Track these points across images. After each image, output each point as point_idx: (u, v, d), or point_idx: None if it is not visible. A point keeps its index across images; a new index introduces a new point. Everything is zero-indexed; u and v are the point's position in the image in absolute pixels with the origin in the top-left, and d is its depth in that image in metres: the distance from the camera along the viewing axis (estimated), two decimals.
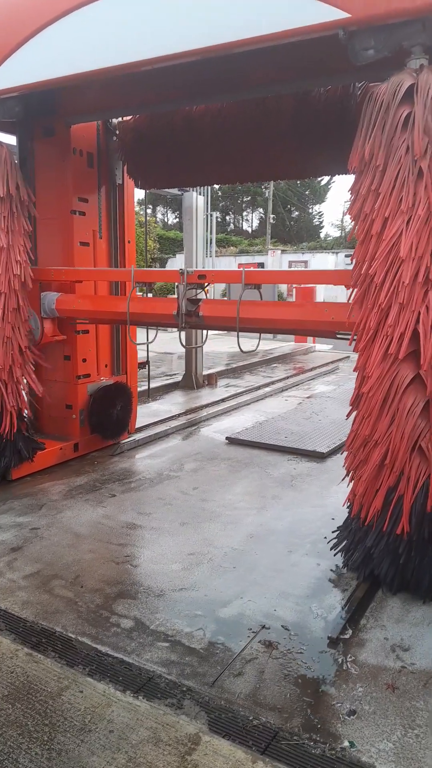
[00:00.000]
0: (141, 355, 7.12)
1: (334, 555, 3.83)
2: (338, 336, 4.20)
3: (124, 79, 4.28)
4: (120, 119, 5.94)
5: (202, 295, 4.90)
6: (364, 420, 3.49)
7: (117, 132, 6.01)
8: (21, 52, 4.35)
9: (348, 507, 3.76)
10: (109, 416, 6.12)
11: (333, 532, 3.94)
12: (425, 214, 3.15)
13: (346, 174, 3.59)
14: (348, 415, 3.71)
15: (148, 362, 7.50)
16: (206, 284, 4.81)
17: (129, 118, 5.81)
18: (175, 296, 4.85)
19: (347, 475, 3.72)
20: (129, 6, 3.87)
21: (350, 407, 3.67)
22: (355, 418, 3.61)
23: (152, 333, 6.05)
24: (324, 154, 5.11)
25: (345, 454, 3.73)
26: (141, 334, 6.97)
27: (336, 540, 3.86)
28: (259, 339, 5.40)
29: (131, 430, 6.70)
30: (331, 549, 3.84)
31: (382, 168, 3.25)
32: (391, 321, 3.26)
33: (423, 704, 2.64)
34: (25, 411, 5.37)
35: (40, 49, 4.28)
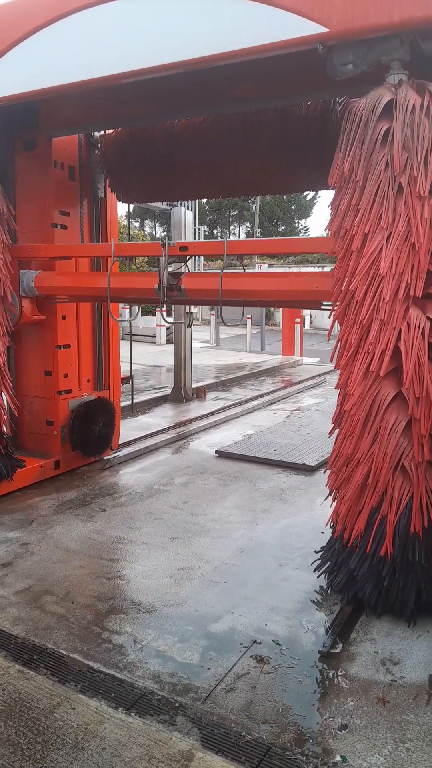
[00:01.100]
0: (125, 369, 7.07)
1: (318, 577, 3.77)
2: (323, 306, 4.11)
3: (105, 92, 4.30)
4: (102, 132, 5.95)
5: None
6: (346, 438, 3.43)
7: (99, 145, 6.01)
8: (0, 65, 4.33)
9: (331, 527, 3.71)
10: (91, 432, 6.04)
11: (316, 552, 3.90)
12: (405, 229, 3.14)
13: (328, 189, 3.64)
14: (330, 433, 3.67)
15: (131, 377, 7.44)
16: (188, 257, 4.70)
17: (111, 131, 5.82)
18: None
19: (330, 494, 3.68)
20: (109, 20, 3.90)
21: (332, 425, 3.63)
22: (337, 436, 3.56)
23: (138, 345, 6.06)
24: (305, 169, 5.15)
25: (328, 473, 3.68)
26: (123, 349, 6.94)
27: (320, 561, 3.79)
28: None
29: (114, 446, 6.62)
30: (314, 570, 3.78)
31: (362, 183, 3.25)
32: (372, 338, 3.23)
33: (413, 718, 2.67)
34: (4, 428, 5.27)
35: (20, 61, 4.28)
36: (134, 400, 9.30)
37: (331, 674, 2.98)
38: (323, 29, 3.24)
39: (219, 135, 5.18)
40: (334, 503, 3.62)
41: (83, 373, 6.19)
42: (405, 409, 3.22)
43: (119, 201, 6.40)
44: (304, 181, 5.54)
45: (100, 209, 6.28)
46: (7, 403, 5.20)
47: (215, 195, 6.41)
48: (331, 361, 3.58)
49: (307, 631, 3.34)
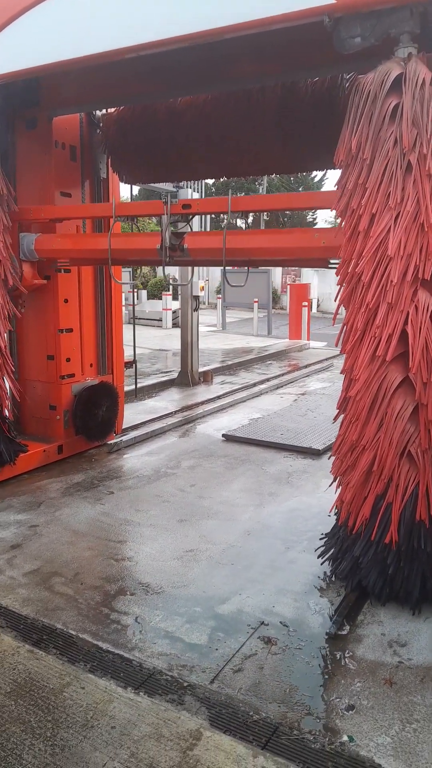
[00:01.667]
0: (129, 353, 7.02)
1: (321, 564, 3.74)
2: (330, 264, 4.00)
3: (106, 68, 4.18)
4: (104, 111, 5.82)
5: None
6: (351, 424, 3.37)
7: (100, 125, 5.88)
8: None
9: (336, 514, 3.67)
10: (94, 417, 5.99)
11: (320, 539, 3.86)
12: (414, 209, 3.03)
13: (335, 169, 3.53)
14: (335, 419, 3.62)
15: (135, 361, 7.38)
16: (191, 216, 4.54)
17: (113, 110, 5.68)
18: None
19: (334, 480, 3.63)
20: None
21: (337, 410, 3.58)
22: (342, 421, 3.50)
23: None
24: (312, 148, 4.99)
25: (333, 458, 3.64)
26: (127, 332, 6.90)
27: (323, 548, 3.75)
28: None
29: (118, 431, 6.60)
30: (318, 557, 3.74)
31: (370, 161, 3.13)
32: (378, 321, 3.15)
33: (420, 699, 2.68)
34: (6, 412, 5.22)
35: (19, 37, 4.15)
36: (141, 384, 9.32)
37: (338, 655, 2.99)
38: (330, 0, 3.08)
39: (222, 114, 5.04)
40: (338, 489, 3.58)
41: (86, 357, 6.15)
42: (412, 394, 3.16)
43: (121, 182, 6.30)
44: (310, 161, 5.41)
45: (102, 190, 6.19)
46: (9, 387, 5.17)
47: (219, 175, 6.26)
48: (337, 345, 3.51)
49: (315, 612, 3.36)
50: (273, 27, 3.36)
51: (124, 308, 21.84)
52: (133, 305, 7.46)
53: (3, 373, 5.08)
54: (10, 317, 5.22)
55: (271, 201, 4.28)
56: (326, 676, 2.85)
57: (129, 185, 6.82)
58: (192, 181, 9.93)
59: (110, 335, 6.38)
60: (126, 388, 7.12)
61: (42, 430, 5.96)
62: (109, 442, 6.36)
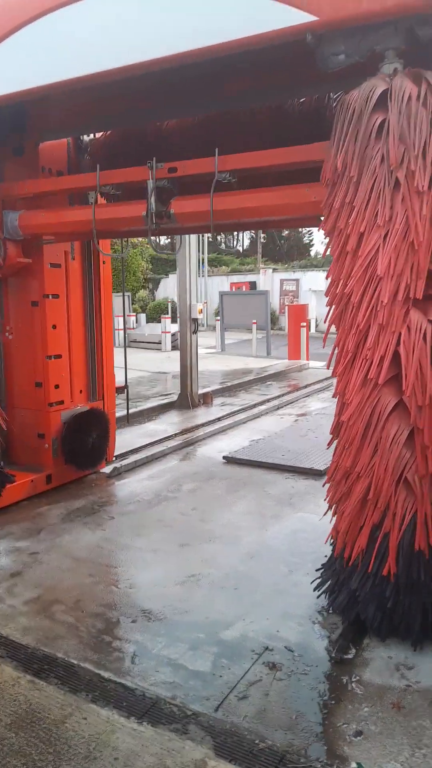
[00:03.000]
0: (119, 379, 6.88)
1: (317, 597, 3.59)
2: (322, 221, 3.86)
3: (93, 91, 4.14)
4: (91, 137, 5.79)
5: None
6: (344, 450, 3.24)
7: (88, 149, 5.83)
8: None
9: (331, 544, 3.50)
10: (85, 445, 5.84)
11: (317, 570, 3.71)
12: (403, 227, 2.96)
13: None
14: (329, 444, 3.50)
15: (126, 386, 7.16)
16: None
17: (100, 135, 5.65)
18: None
19: (329, 509, 3.50)
20: (88, 16, 3.76)
21: (330, 435, 3.46)
22: (335, 447, 3.37)
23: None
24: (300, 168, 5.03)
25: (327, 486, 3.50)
26: (119, 355, 6.82)
27: (320, 579, 3.60)
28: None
29: (110, 458, 6.46)
30: (314, 590, 3.59)
31: (356, 179, 3.06)
32: (370, 343, 3.05)
33: (429, 723, 2.63)
34: None
35: (4, 60, 4.08)
36: (141, 407, 9.31)
37: (344, 680, 2.94)
38: (312, 17, 3.00)
39: (211, 135, 4.95)
40: (333, 519, 3.43)
41: (75, 383, 6.00)
42: (407, 418, 3.03)
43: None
44: (299, 181, 5.43)
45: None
46: None
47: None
48: (328, 367, 3.41)
49: (320, 636, 3.31)
50: (254, 47, 3.28)
51: (125, 331, 21.91)
52: (124, 330, 7.37)
53: None
54: None
55: (262, 157, 4.08)
56: (333, 702, 2.79)
57: None
58: None
59: (101, 360, 6.28)
60: (117, 414, 6.97)
61: (30, 459, 5.80)
62: (104, 469, 6.25)
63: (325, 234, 3.36)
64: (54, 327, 5.72)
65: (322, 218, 3.44)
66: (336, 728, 2.62)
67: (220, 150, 4.85)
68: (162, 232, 4.64)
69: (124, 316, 7.74)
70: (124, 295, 7.34)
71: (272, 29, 3.15)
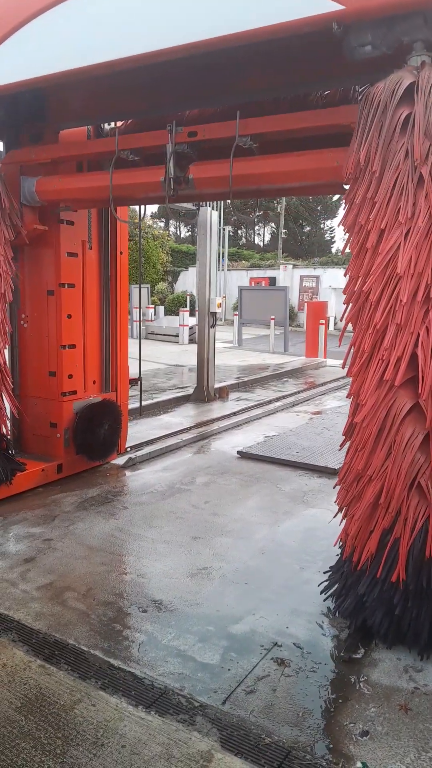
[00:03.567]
0: (144, 369, 6.81)
1: (324, 600, 3.55)
2: (345, 186, 3.73)
3: (112, 79, 4.09)
4: (112, 125, 5.69)
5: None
6: (357, 452, 3.17)
7: (110, 136, 5.70)
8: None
9: (340, 547, 3.46)
10: (96, 436, 5.83)
11: (324, 572, 3.69)
12: (426, 225, 2.88)
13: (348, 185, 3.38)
14: (341, 446, 3.47)
15: (140, 378, 7.04)
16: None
17: (121, 123, 5.54)
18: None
19: (339, 511, 3.44)
20: (111, 2, 3.73)
21: (343, 437, 3.40)
22: (348, 449, 3.31)
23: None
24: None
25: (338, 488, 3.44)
26: (133, 347, 6.80)
27: (327, 582, 3.55)
28: None
29: (121, 450, 6.47)
30: (321, 593, 3.56)
31: (379, 174, 2.98)
32: (387, 343, 2.97)
33: None
34: (4, 429, 5.07)
35: (25, 46, 4.02)
36: (156, 399, 9.35)
37: (352, 679, 2.94)
38: (339, 6, 2.93)
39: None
40: (343, 522, 3.39)
41: (89, 374, 6.01)
42: (422, 422, 2.96)
43: None
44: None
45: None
46: (8, 404, 5.06)
47: (225, 197, 6.15)
48: (343, 367, 3.33)
49: (329, 635, 3.31)
50: (278, 36, 3.23)
51: (141, 323, 21.99)
52: (140, 321, 7.28)
53: (1, 389, 4.97)
54: (11, 332, 5.13)
55: (284, 121, 3.98)
56: (340, 701, 2.80)
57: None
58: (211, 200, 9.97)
59: (115, 351, 6.27)
60: (136, 405, 6.93)
61: (42, 449, 5.83)
62: (117, 460, 6.27)
63: (345, 230, 3.27)
64: (69, 317, 5.72)
65: (346, 186, 3.31)
66: (342, 727, 2.62)
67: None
68: (179, 198, 4.49)
69: (141, 307, 7.63)
70: (141, 286, 7.28)
71: (299, 17, 3.07)
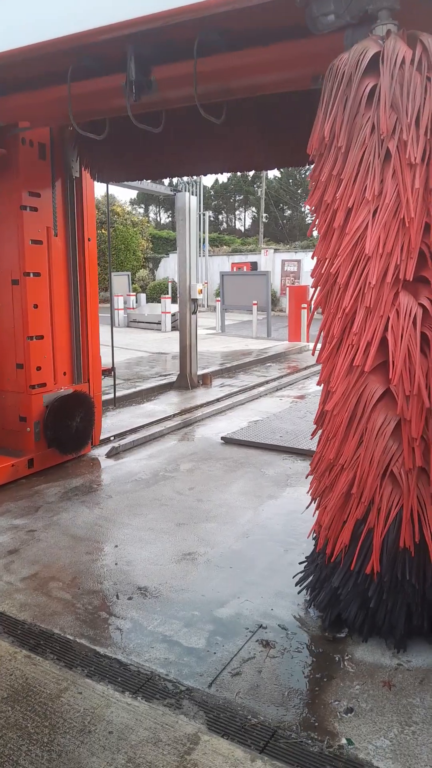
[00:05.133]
0: (126, 357, 6.69)
1: (298, 593, 3.51)
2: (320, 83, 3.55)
3: (67, 56, 3.86)
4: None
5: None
6: (328, 441, 3.07)
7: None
8: None
9: (314, 539, 3.38)
10: (68, 428, 5.72)
11: (300, 563, 3.66)
12: (394, 203, 2.74)
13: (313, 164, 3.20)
14: (312, 435, 3.37)
15: (113, 368, 6.93)
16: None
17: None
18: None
19: (312, 501, 3.37)
20: None
21: (314, 426, 3.31)
22: (319, 438, 3.20)
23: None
24: (292, 142, 4.63)
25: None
26: (105, 333, 6.68)
27: (302, 574, 3.48)
28: None
29: (95, 442, 6.38)
30: (296, 584, 3.50)
31: (345, 150, 2.83)
32: (356, 328, 2.85)
33: (419, 701, 2.67)
34: None
35: None
36: (139, 387, 9.33)
37: (337, 658, 2.98)
38: None
39: (194, 105, 4.61)
40: (317, 513, 3.29)
41: (59, 365, 5.87)
42: (394, 408, 2.85)
43: (94, 180, 6.02)
44: (289, 155, 5.06)
45: (75, 190, 5.93)
46: None
47: (197, 171, 5.82)
48: (313, 354, 3.22)
49: (313, 615, 3.35)
50: (236, 6, 3.07)
51: (122, 312, 21.78)
52: (111, 310, 7.14)
53: None
54: None
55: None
56: (325, 679, 2.83)
57: (103, 183, 6.53)
58: (190, 184, 9.85)
59: (86, 342, 6.13)
60: (103, 397, 6.83)
61: (12, 443, 5.68)
62: (93, 452, 6.20)
63: (310, 210, 3.10)
64: (35, 306, 5.56)
65: (322, 78, 3.07)
66: (327, 705, 2.66)
67: (207, 123, 4.35)
68: (143, 105, 4.23)
69: (111, 296, 7.50)
70: (110, 274, 7.17)
71: None
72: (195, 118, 4.53)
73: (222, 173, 7.03)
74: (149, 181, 11.20)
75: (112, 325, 7.14)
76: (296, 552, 4.06)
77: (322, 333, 3.12)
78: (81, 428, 5.88)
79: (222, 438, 6.81)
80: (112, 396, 7.56)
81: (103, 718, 2.56)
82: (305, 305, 16.06)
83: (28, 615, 3.34)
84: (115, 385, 7.24)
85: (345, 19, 2.94)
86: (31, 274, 5.54)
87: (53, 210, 5.77)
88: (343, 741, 2.45)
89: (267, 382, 10.39)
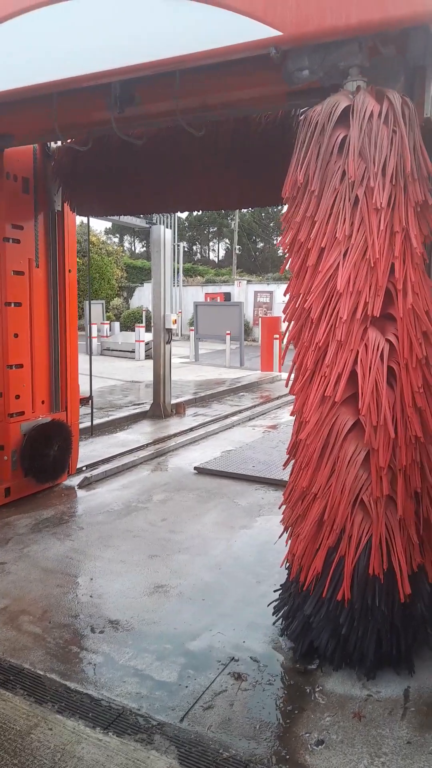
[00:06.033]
0: (100, 386, 6.75)
1: (273, 624, 3.53)
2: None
3: (50, 99, 4.01)
4: (58, 143, 5.65)
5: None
6: (301, 470, 3.17)
7: (54, 155, 5.76)
8: None
9: (287, 568, 3.44)
10: (45, 457, 5.72)
11: (275, 591, 3.70)
12: (362, 244, 2.94)
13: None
14: (285, 465, 3.48)
15: (91, 397, 6.94)
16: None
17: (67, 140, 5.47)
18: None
19: (285, 531, 3.44)
20: (50, 24, 3.66)
21: (287, 456, 3.41)
22: (292, 467, 3.31)
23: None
24: (265, 181, 4.83)
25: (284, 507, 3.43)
26: (84, 362, 6.72)
27: (277, 603, 3.53)
28: None
29: (72, 471, 6.38)
30: (273, 614, 3.53)
31: (318, 194, 3.04)
32: (328, 360, 3.00)
33: (389, 732, 2.70)
34: None
35: None
36: (112, 417, 9.31)
37: (308, 690, 3.00)
38: (276, 32, 3.01)
39: (176, 146, 4.89)
40: (290, 541, 3.35)
41: (37, 394, 5.89)
42: (364, 438, 2.99)
43: (74, 213, 6.17)
44: (264, 194, 5.31)
45: (57, 223, 6.06)
46: None
47: (174, 209, 6.02)
48: (287, 386, 3.34)
49: (285, 647, 3.37)
50: (216, 60, 3.29)
51: (96, 340, 21.75)
52: (88, 339, 7.19)
53: None
54: None
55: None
56: (296, 711, 2.85)
57: (86, 218, 6.62)
58: (164, 216, 10.02)
59: (65, 370, 6.18)
60: (81, 426, 6.81)
61: None
62: (69, 481, 6.18)
63: (284, 249, 3.30)
64: (16, 336, 5.61)
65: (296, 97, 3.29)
66: (298, 737, 2.68)
67: (185, 163, 4.52)
68: (127, 120, 4.30)
69: (88, 324, 7.53)
70: (89, 302, 7.24)
71: (235, 42, 3.13)
72: (176, 161, 4.68)
73: (200, 211, 7.24)
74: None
75: (90, 353, 7.19)
76: (268, 583, 4.09)
77: (295, 365, 3.25)
78: (58, 457, 5.88)
79: (195, 468, 6.84)
80: (89, 424, 7.54)
81: (74, 755, 2.53)
82: (277, 335, 16.30)
83: None
84: (92, 413, 7.23)
85: (318, 75, 3.17)
86: (12, 304, 5.60)
87: (35, 242, 5.87)
88: None
89: (240, 412, 10.46)
